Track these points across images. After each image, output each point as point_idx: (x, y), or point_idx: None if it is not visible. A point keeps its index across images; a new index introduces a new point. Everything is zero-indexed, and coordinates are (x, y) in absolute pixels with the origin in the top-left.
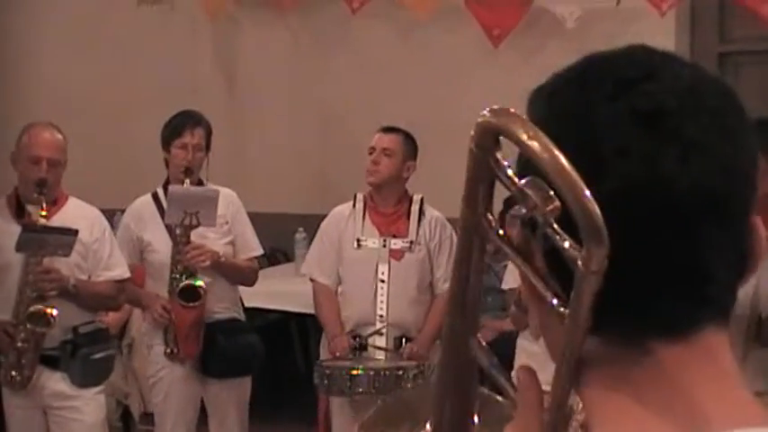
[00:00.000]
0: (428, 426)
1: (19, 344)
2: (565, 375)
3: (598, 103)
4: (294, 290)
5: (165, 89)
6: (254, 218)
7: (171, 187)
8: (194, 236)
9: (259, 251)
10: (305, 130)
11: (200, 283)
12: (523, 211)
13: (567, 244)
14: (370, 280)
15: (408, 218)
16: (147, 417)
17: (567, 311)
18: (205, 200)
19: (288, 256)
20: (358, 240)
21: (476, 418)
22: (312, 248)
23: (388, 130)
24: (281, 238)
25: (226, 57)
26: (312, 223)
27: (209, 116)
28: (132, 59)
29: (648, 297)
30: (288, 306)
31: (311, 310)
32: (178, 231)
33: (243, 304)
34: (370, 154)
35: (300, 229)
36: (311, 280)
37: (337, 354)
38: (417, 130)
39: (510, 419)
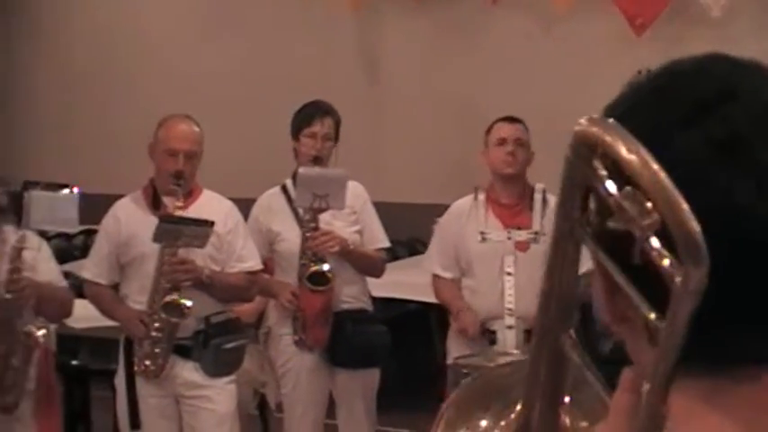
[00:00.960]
0: (511, 415)
1: (153, 333)
2: (656, 392)
3: (672, 128)
4: (429, 281)
5: (304, 79)
6: (393, 208)
7: (300, 169)
8: (322, 223)
9: (386, 243)
10: (444, 120)
11: (328, 268)
12: (619, 223)
13: (666, 261)
14: (496, 273)
15: (531, 209)
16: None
17: (661, 327)
18: (334, 182)
19: (426, 246)
20: (482, 233)
21: (566, 398)
22: (432, 245)
23: (513, 120)
24: (420, 228)
25: (366, 47)
26: None
27: (349, 106)
28: (271, 49)
29: (748, 325)
30: (427, 297)
31: None
32: (307, 216)
33: (371, 295)
34: (501, 145)
35: (438, 219)
36: (433, 276)
37: (468, 330)
38: (557, 121)
39: (602, 402)
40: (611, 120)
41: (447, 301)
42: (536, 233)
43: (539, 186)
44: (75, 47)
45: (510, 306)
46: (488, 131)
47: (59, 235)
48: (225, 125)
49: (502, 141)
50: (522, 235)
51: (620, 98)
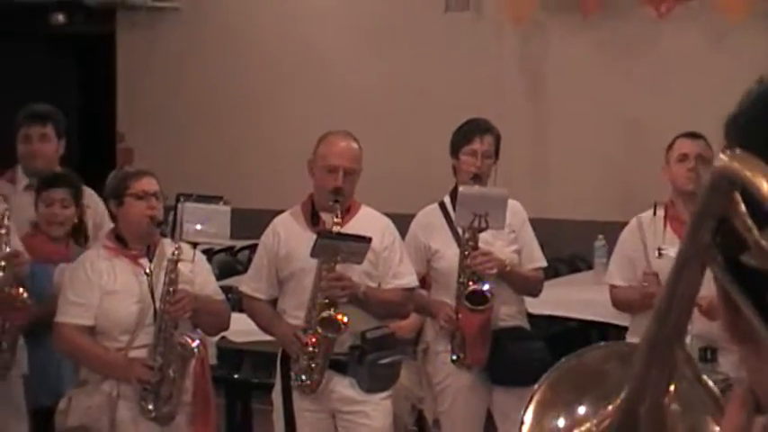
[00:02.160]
0: (618, 400)
1: (309, 349)
2: None
3: None
4: (593, 298)
5: (466, 95)
6: (555, 224)
7: (461, 188)
8: (481, 243)
9: (543, 263)
10: (608, 136)
11: (487, 287)
12: (756, 261)
13: None
14: None
15: None
16: None
17: None
18: (495, 202)
19: (588, 264)
20: (660, 249)
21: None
22: (613, 256)
23: (695, 135)
24: (582, 244)
25: (530, 61)
26: (613, 231)
27: (512, 121)
28: (435, 65)
29: None
30: (587, 314)
31: (612, 319)
32: (466, 236)
33: (528, 312)
34: (682, 161)
35: (600, 236)
36: (611, 286)
37: None
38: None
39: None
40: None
41: (631, 299)
42: None
43: None
44: (237, 60)
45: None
46: (670, 147)
47: (224, 249)
48: (384, 140)
49: (683, 157)
50: None
51: (741, 109)
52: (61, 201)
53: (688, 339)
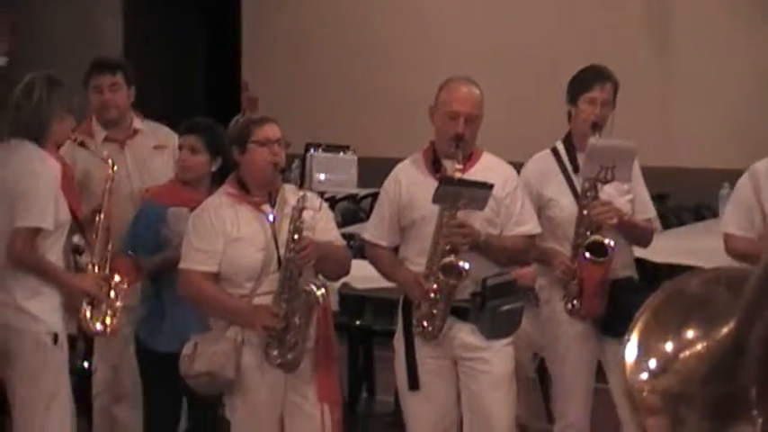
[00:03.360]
0: (724, 329)
1: (431, 295)
2: None
3: None
4: (718, 246)
5: (592, 45)
6: (680, 173)
7: (591, 140)
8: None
9: (653, 213)
10: (734, 85)
11: (608, 240)
12: None
13: None
14: None
15: None
16: None
17: None
18: (623, 154)
19: (713, 212)
20: None
21: None
22: (729, 204)
23: None
24: (707, 193)
25: (656, 8)
26: (738, 178)
27: (638, 72)
28: (557, 10)
29: None
30: (712, 263)
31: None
32: (587, 185)
33: (650, 262)
34: None
35: (725, 184)
36: (726, 235)
37: None
38: None
39: None
40: None
41: (746, 250)
42: None
43: None
44: (362, 9)
45: None
46: None
47: (347, 197)
48: (503, 87)
49: None
50: None
51: None
52: (191, 147)
53: None
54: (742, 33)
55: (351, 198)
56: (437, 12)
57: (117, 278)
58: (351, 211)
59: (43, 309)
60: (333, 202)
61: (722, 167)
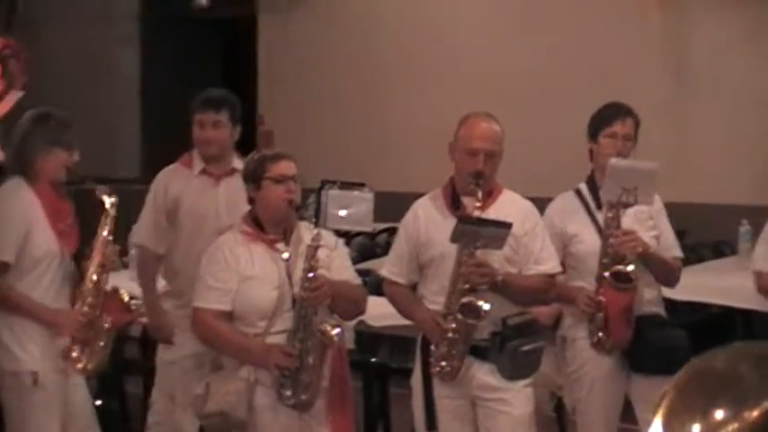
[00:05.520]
0: (755, 411)
1: (450, 335)
2: None
3: None
4: (738, 284)
5: (607, 77)
6: (698, 209)
7: (612, 160)
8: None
9: (680, 252)
10: (752, 119)
11: (631, 268)
12: None
13: None
14: None
15: None
16: None
17: None
18: (645, 175)
19: (733, 249)
20: None
21: None
22: (759, 241)
23: None
24: (726, 230)
25: (672, 45)
26: (759, 215)
27: (653, 104)
28: (574, 47)
29: None
30: (731, 301)
31: (758, 306)
32: (609, 215)
33: (669, 299)
34: None
35: (744, 221)
36: (757, 273)
37: None
38: None
39: None
40: None
41: None
42: None
43: None
44: (376, 44)
45: None
46: None
47: (363, 233)
48: (522, 123)
49: None
50: None
51: None
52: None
53: None
54: (761, 68)
55: (366, 233)
56: (454, 48)
57: (105, 317)
58: (367, 246)
59: (23, 347)
60: (349, 237)
61: (742, 203)
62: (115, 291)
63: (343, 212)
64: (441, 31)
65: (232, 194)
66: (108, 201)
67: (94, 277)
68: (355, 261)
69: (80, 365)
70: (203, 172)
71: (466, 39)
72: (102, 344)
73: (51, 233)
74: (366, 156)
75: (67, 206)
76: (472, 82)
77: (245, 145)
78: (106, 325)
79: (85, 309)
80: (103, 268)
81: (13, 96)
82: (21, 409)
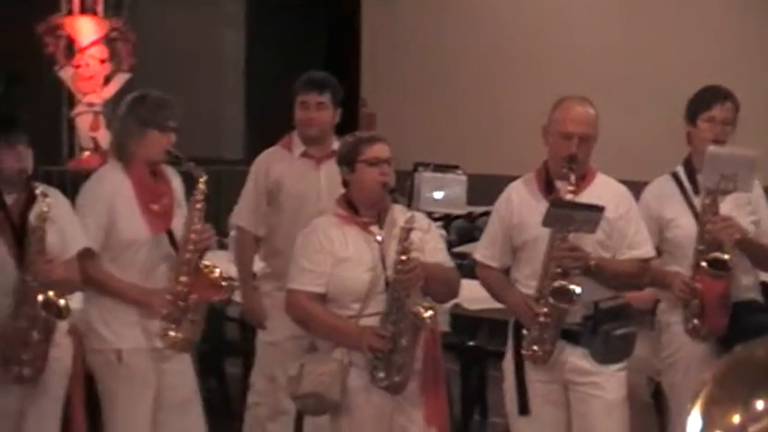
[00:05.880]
0: None
1: (542, 318)
2: None
3: None
4: None
5: (707, 60)
6: None
7: (710, 148)
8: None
9: None
10: None
11: (727, 256)
12: None
13: None
14: None
15: None
16: None
17: None
18: (745, 163)
19: None
20: None
21: None
22: None
23: None
24: None
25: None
26: None
27: (743, 90)
28: (675, 28)
29: None
30: None
31: None
32: (707, 201)
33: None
34: None
35: None
36: None
37: None
38: None
39: None
40: None
41: None
42: None
43: None
44: (475, 29)
45: None
46: None
47: (462, 215)
48: (619, 105)
49: None
50: None
51: None
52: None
53: None
54: None
55: (466, 216)
56: (550, 31)
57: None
58: (466, 229)
59: (110, 326)
60: (448, 220)
61: None
62: (206, 267)
63: (436, 194)
64: (542, 13)
65: (333, 177)
66: (200, 180)
67: (187, 255)
68: (454, 244)
69: (170, 340)
70: (304, 154)
71: (566, 20)
72: (191, 318)
73: (140, 217)
74: (461, 139)
75: (165, 187)
76: (570, 63)
77: (346, 128)
78: (193, 300)
79: (177, 288)
80: (196, 246)
81: (121, 78)
82: (109, 385)
